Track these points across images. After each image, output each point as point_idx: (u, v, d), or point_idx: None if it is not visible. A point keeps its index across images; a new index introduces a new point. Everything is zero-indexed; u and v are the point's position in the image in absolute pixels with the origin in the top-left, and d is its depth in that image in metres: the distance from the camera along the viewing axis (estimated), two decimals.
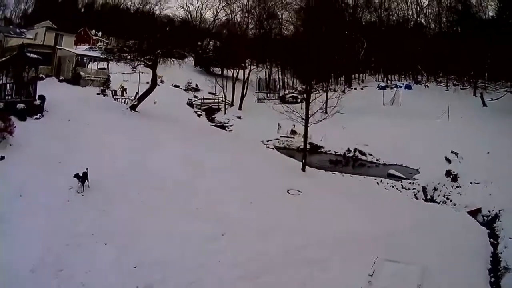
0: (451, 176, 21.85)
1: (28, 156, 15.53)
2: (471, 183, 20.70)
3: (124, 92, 32.82)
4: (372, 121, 32.17)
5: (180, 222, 13.11)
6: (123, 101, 30.75)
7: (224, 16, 66.86)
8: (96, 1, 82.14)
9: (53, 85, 26.60)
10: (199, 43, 59.93)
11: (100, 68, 34.33)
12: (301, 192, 17.50)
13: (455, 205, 19.67)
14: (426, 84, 48.79)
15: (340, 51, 49.91)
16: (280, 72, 60.32)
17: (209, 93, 47.46)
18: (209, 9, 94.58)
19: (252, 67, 50.07)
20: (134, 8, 76.68)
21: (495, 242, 15.02)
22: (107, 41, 62.32)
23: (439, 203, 20.30)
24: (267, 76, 59.01)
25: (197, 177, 16.83)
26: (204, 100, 45.34)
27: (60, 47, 33.31)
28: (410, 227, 14.85)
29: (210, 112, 43.09)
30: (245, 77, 46.55)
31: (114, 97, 31.30)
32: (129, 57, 28.68)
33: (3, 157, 15.03)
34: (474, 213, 18.01)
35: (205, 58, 58.97)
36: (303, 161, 22.57)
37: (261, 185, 17.17)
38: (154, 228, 12.54)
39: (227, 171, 18.24)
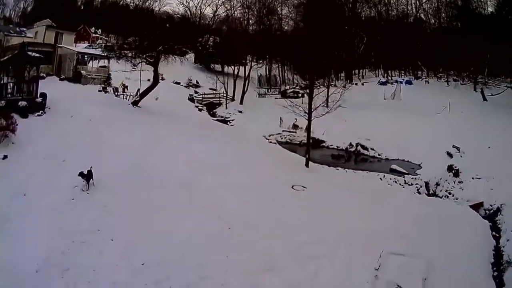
0: (453, 171, 21.93)
1: (30, 154, 15.52)
2: (472, 178, 20.76)
3: (126, 89, 32.82)
4: (374, 116, 32.21)
5: (184, 219, 13.04)
6: (124, 97, 30.74)
7: (223, 12, 66.94)
8: None
9: (54, 84, 26.57)
10: (199, 39, 59.67)
11: (100, 66, 34.27)
12: (305, 187, 17.44)
13: (457, 199, 19.81)
14: (427, 79, 48.85)
15: (340, 47, 49.77)
16: (280, 68, 60.23)
17: (210, 89, 47.43)
18: (209, 5, 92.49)
19: (252, 63, 49.96)
20: (134, 4, 76.49)
21: (497, 235, 15.14)
22: (107, 39, 62.01)
23: (441, 198, 20.40)
24: (267, 72, 58.92)
25: (200, 173, 16.71)
26: (206, 95, 45.32)
27: (61, 45, 33.27)
28: (413, 222, 14.89)
29: (211, 107, 43.01)
30: (246, 73, 46.50)
31: (116, 93, 31.31)
32: (130, 54, 28.63)
33: (6, 156, 15.06)
34: (476, 207, 18.12)
35: (205, 54, 58.74)
36: (307, 156, 22.56)
37: (265, 181, 17.08)
38: (159, 226, 12.49)
39: (230, 166, 18.11)
